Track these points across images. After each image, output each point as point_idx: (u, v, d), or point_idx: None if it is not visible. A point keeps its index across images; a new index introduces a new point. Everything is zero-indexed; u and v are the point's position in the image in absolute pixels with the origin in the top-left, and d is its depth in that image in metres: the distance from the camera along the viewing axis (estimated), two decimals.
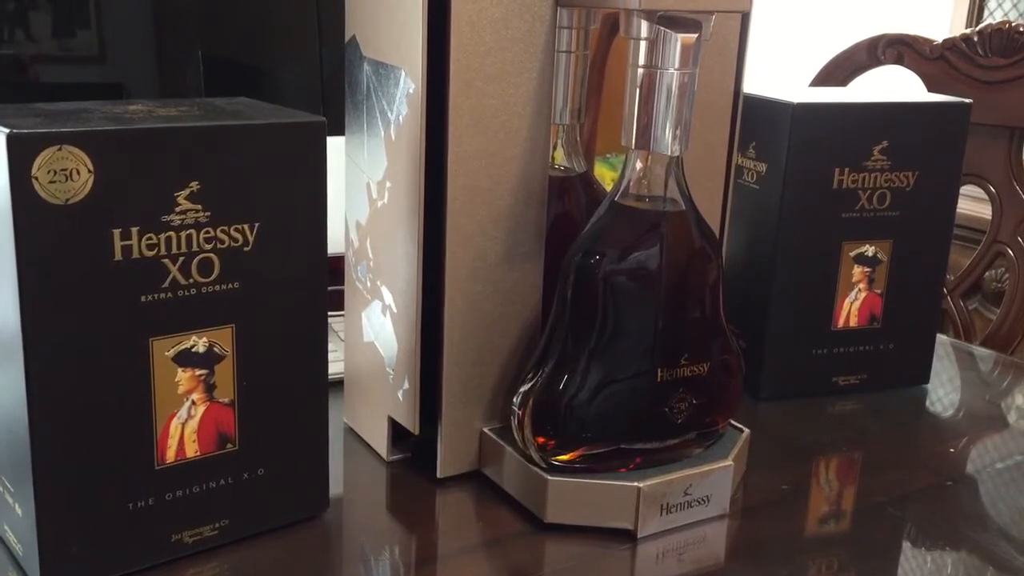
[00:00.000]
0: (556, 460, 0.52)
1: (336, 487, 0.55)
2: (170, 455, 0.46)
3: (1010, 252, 1.01)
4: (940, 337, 0.84)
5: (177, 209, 0.43)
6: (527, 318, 0.56)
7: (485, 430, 0.56)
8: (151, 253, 0.43)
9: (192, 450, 0.47)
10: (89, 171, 0.41)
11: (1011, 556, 0.53)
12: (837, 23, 1.71)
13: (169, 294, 0.44)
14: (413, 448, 0.59)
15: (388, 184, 0.55)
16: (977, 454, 0.66)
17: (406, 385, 0.55)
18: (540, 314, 0.56)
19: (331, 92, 0.81)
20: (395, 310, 0.56)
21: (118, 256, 0.42)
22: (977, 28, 1.04)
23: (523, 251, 0.55)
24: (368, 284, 0.58)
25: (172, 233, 0.43)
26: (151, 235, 0.43)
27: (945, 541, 0.55)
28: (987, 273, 1.32)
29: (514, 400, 0.53)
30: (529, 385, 0.52)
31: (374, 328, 0.58)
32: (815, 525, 0.56)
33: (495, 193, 0.53)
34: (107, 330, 0.43)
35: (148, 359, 0.44)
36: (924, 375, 0.75)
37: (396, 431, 0.58)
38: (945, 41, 1.06)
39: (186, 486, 0.47)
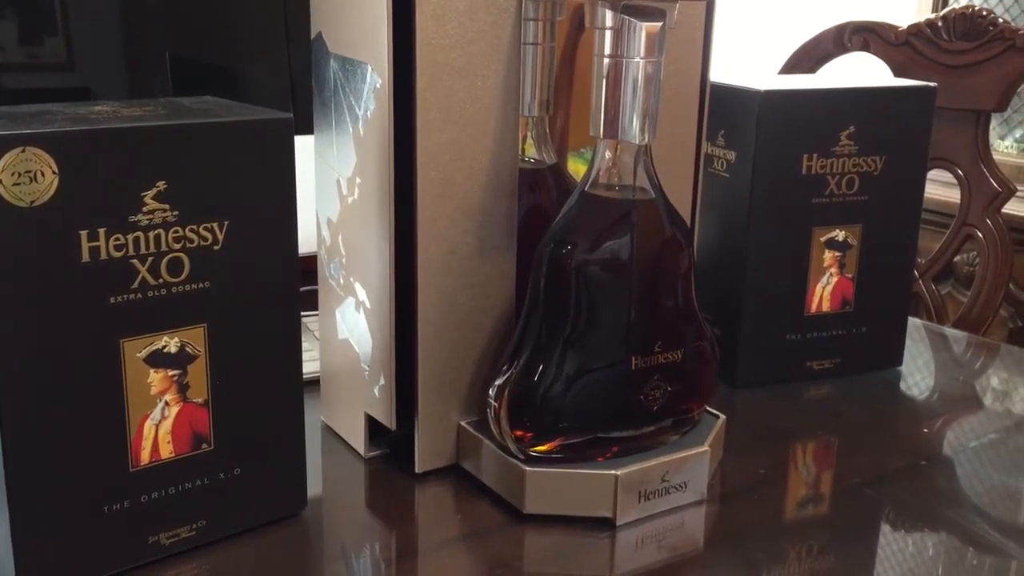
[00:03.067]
0: (533, 451, 0.52)
1: (315, 485, 0.55)
2: (144, 457, 0.46)
3: (979, 234, 1.03)
4: (913, 320, 0.85)
5: (144, 209, 0.43)
6: (501, 310, 0.56)
7: (462, 423, 0.57)
8: (119, 254, 0.43)
9: (167, 451, 0.46)
10: (54, 172, 0.40)
11: (985, 532, 0.54)
12: (803, 11, 1.72)
13: (139, 295, 0.44)
14: (391, 444, 0.59)
15: (358, 180, 0.55)
16: (951, 434, 0.67)
17: (382, 381, 0.55)
18: (514, 306, 0.57)
19: (300, 91, 0.81)
20: (369, 306, 0.55)
21: (86, 257, 0.42)
22: (941, 13, 1.06)
23: (495, 244, 0.55)
24: (341, 281, 0.58)
25: (140, 233, 0.43)
26: (119, 236, 0.43)
27: (921, 520, 0.56)
28: (959, 257, 1.33)
29: (490, 392, 0.53)
30: (504, 377, 0.53)
31: (348, 325, 0.58)
32: (793, 509, 0.57)
33: (465, 187, 0.53)
34: (76, 332, 0.42)
35: (119, 361, 0.44)
36: (897, 358, 0.76)
37: (373, 427, 0.58)
38: (910, 27, 1.07)
39: (162, 487, 0.46)
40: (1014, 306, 1.59)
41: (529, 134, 0.59)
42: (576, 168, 0.64)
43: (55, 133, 0.40)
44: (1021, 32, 1.01)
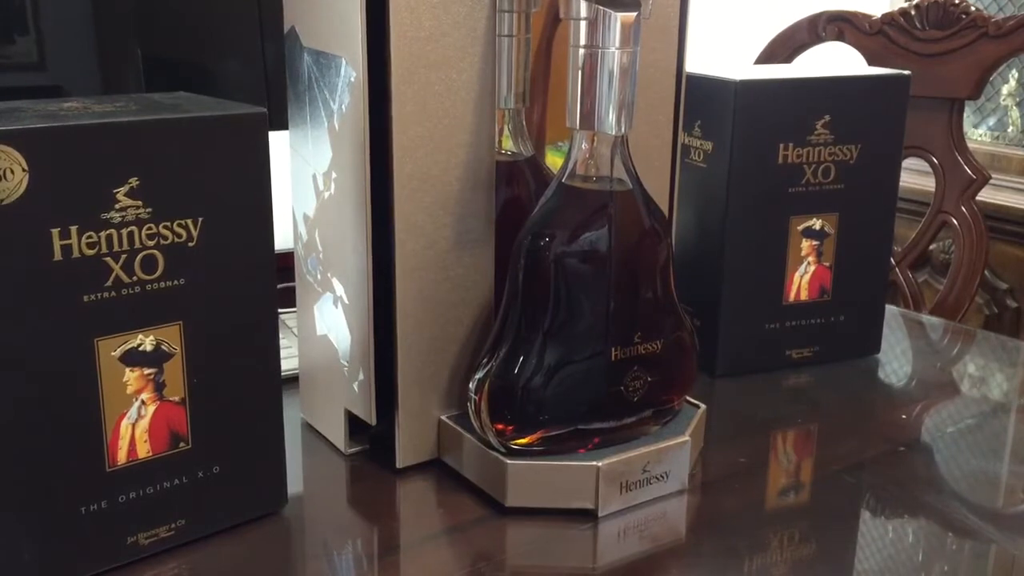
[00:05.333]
0: (515, 444, 0.52)
1: (295, 483, 0.54)
2: (121, 456, 0.45)
3: (954, 221, 1.03)
4: (890, 307, 0.86)
5: (117, 206, 0.43)
6: (480, 304, 0.56)
7: (443, 418, 0.56)
8: (92, 252, 0.42)
9: (144, 450, 0.46)
10: (23, 170, 0.40)
11: (964, 516, 0.54)
12: (778, 1, 1.72)
13: (112, 293, 0.43)
14: (371, 440, 0.59)
15: (334, 175, 0.54)
16: (929, 420, 0.68)
17: (361, 376, 0.55)
18: (493, 299, 0.56)
19: (275, 86, 0.80)
20: (347, 301, 0.55)
21: (58, 256, 0.41)
22: (914, 2, 1.06)
23: (473, 237, 0.55)
24: (319, 277, 0.58)
25: (113, 231, 0.43)
26: (91, 233, 0.42)
27: (901, 506, 0.56)
28: (935, 245, 1.34)
29: (470, 386, 0.53)
30: (484, 371, 0.52)
31: (327, 321, 0.58)
32: (773, 497, 0.57)
33: (442, 180, 0.53)
34: (50, 332, 0.42)
35: (94, 360, 0.43)
36: (875, 345, 0.76)
37: (353, 423, 0.58)
38: (884, 16, 1.08)
39: (139, 487, 0.46)
40: (990, 293, 1.61)
41: (506, 127, 0.58)
42: (554, 162, 0.63)
43: (24, 130, 0.40)
44: (993, 20, 1.02)
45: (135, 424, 0.45)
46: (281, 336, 0.50)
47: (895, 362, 0.78)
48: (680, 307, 0.56)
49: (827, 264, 0.72)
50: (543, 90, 0.64)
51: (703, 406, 0.59)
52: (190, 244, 0.45)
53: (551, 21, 0.62)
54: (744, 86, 0.66)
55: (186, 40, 0.80)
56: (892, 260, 1.05)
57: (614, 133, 0.50)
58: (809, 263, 0.71)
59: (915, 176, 1.36)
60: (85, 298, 0.43)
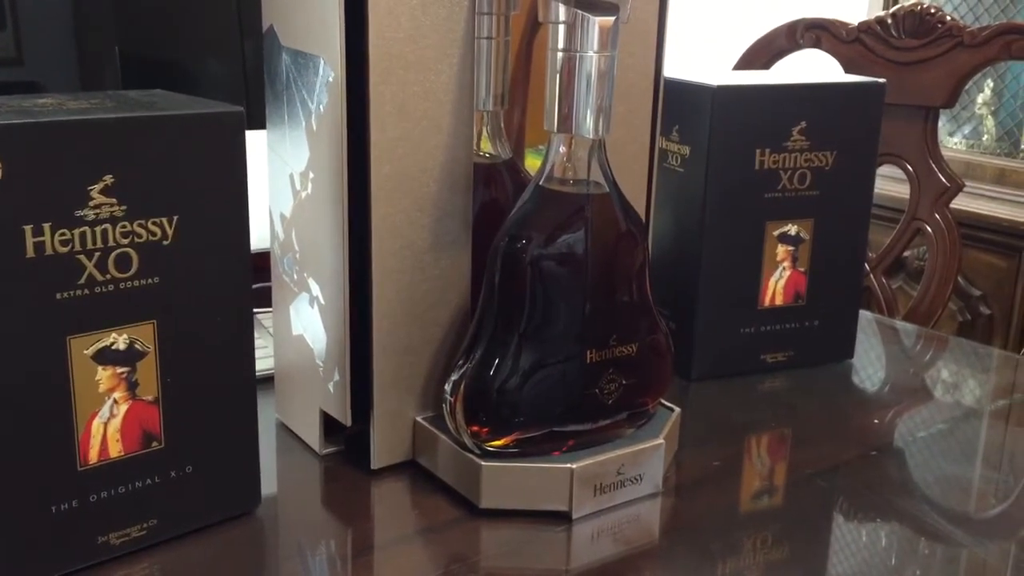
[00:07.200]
0: (489, 446, 0.52)
1: (269, 483, 0.54)
2: (93, 455, 0.45)
3: (928, 228, 1.04)
4: (864, 313, 0.86)
5: (91, 203, 0.42)
6: (457, 305, 0.56)
7: (418, 419, 0.56)
8: (65, 249, 0.42)
9: (116, 450, 0.46)
10: None
11: (936, 521, 0.55)
12: (757, 8, 1.74)
13: (86, 291, 0.43)
14: (346, 441, 0.58)
15: (311, 175, 0.54)
16: (902, 425, 0.68)
17: (336, 377, 0.55)
18: (470, 301, 0.56)
19: (254, 85, 0.80)
20: (323, 302, 0.55)
21: (30, 253, 0.41)
22: (891, 11, 1.07)
23: (450, 238, 0.55)
24: (295, 276, 0.57)
25: (86, 228, 0.42)
26: (64, 230, 0.42)
27: (873, 510, 0.56)
28: (909, 252, 1.35)
29: (446, 388, 0.53)
30: (460, 372, 0.52)
31: (303, 321, 0.57)
32: (747, 500, 0.57)
33: (420, 181, 0.53)
34: (22, 329, 0.42)
35: (66, 358, 0.43)
36: (849, 350, 0.77)
37: (329, 424, 0.58)
38: (861, 24, 1.09)
39: (111, 487, 0.46)
40: (963, 300, 1.62)
41: (484, 129, 0.59)
42: (534, 165, 0.64)
43: None
44: (968, 29, 1.03)
45: (107, 423, 0.45)
46: (256, 336, 0.50)
47: (869, 367, 0.78)
48: (656, 310, 0.56)
49: (802, 269, 0.72)
50: (523, 93, 0.64)
51: (678, 409, 0.59)
52: (165, 243, 0.45)
53: (531, 24, 0.62)
54: (722, 91, 0.67)
55: (164, 38, 0.79)
56: (867, 266, 1.06)
57: (591, 137, 0.50)
58: (784, 268, 0.72)
59: (890, 183, 1.38)
60: (58, 296, 0.42)
